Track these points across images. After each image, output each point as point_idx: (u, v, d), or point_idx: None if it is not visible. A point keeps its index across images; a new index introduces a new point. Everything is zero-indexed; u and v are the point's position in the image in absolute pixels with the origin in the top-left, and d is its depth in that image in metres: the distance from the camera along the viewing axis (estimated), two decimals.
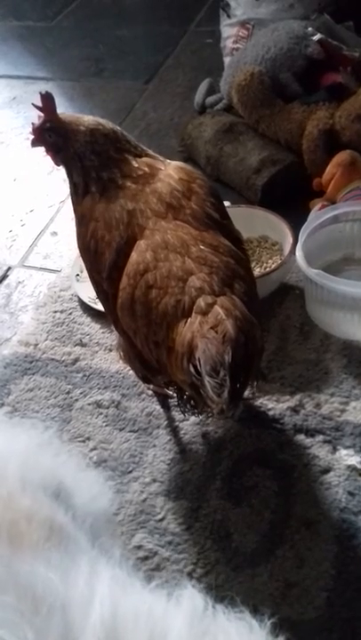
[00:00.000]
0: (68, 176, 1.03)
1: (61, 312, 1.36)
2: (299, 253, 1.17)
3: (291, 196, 1.49)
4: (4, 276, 1.50)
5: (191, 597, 0.55)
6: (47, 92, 1.01)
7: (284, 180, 1.50)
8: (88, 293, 1.35)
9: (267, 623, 0.54)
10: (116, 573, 0.58)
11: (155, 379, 1.04)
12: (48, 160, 1.06)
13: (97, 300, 1.33)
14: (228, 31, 1.79)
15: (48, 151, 1.04)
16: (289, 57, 1.54)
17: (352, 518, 0.98)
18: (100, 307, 1.32)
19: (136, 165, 0.99)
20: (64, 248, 1.54)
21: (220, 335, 0.80)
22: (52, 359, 1.28)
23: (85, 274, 1.38)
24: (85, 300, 1.34)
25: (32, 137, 1.04)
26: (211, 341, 0.80)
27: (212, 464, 1.07)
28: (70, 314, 1.35)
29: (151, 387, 1.18)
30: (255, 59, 1.57)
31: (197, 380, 0.80)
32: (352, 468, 1.03)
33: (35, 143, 1.05)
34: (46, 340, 1.31)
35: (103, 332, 1.30)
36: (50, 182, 1.72)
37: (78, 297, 1.36)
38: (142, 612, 0.53)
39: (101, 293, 1.00)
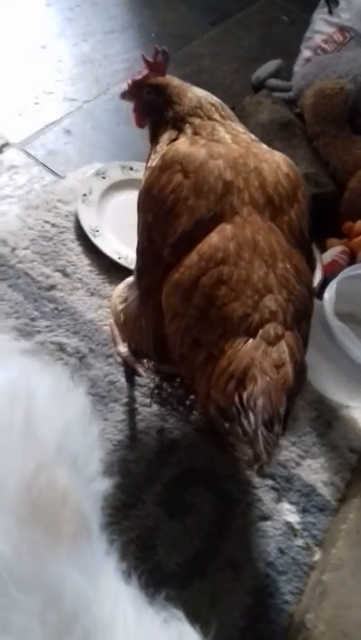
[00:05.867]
0: (153, 137, 0.93)
1: (53, 226, 1.19)
2: (328, 296, 1.11)
3: (312, 224, 1.43)
4: None
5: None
6: (164, 50, 0.94)
7: (317, 205, 1.42)
8: (90, 221, 1.21)
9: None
10: (135, 596, 0.54)
11: (156, 363, 0.93)
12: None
13: (97, 232, 1.20)
14: (323, 27, 1.67)
15: (137, 109, 0.96)
16: None
17: (275, 576, 0.95)
18: (98, 241, 1.19)
19: (240, 131, 0.89)
20: (73, 153, 1.36)
21: (281, 379, 0.72)
22: (27, 274, 1.12)
23: (94, 197, 1.25)
24: (85, 227, 1.19)
25: (125, 89, 0.96)
26: (272, 384, 0.71)
27: (158, 464, 1.00)
28: (62, 232, 1.19)
29: (122, 354, 1.07)
30: (347, 73, 1.48)
31: (237, 413, 0.71)
32: (289, 526, 1.01)
33: (126, 96, 0.97)
34: (27, 248, 1.14)
35: (91, 272, 1.16)
36: (83, 73, 1.52)
37: (78, 219, 1.20)
38: None
39: (150, 253, 0.86)
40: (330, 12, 1.67)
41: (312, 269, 0.88)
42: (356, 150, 1.45)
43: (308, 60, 1.67)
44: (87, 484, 0.60)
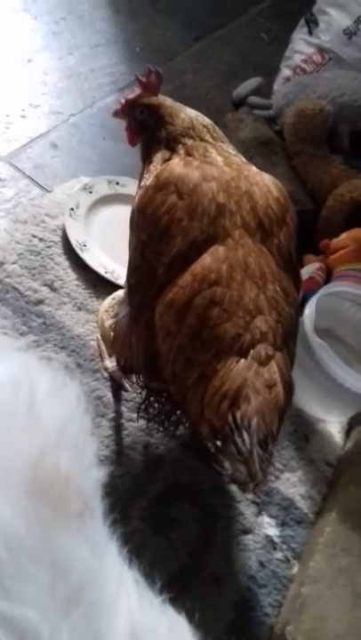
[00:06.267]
0: (145, 156, 0.94)
1: (40, 240, 1.20)
2: (308, 313, 1.15)
3: None
4: None
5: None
6: (157, 70, 0.96)
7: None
8: (77, 235, 1.22)
9: None
10: (137, 579, 0.57)
11: (145, 380, 0.94)
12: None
13: (84, 247, 1.21)
14: (302, 47, 1.72)
15: (129, 127, 0.97)
16: (358, 113, 1.51)
17: (256, 589, 0.98)
18: (86, 255, 1.20)
19: (232, 153, 0.92)
20: (60, 167, 1.37)
21: (273, 399, 0.75)
22: (15, 288, 1.12)
23: (81, 211, 1.26)
24: (73, 241, 1.20)
25: (118, 107, 0.97)
26: (265, 404, 0.73)
27: (144, 479, 1.01)
28: (50, 247, 1.20)
29: (109, 369, 1.09)
30: (326, 95, 1.52)
31: (231, 432, 0.73)
32: (269, 539, 1.03)
33: (118, 114, 0.98)
34: (15, 263, 1.15)
35: (78, 286, 1.17)
36: (69, 87, 1.53)
37: (65, 233, 1.21)
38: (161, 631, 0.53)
39: (143, 271, 0.88)
40: (310, 33, 1.72)
41: (298, 291, 0.91)
42: (334, 169, 1.49)
43: (287, 79, 1.71)
44: (87, 469, 0.64)
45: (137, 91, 0.97)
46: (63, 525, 0.53)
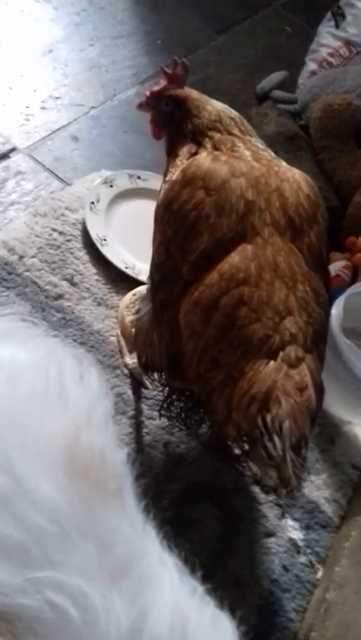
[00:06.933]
0: (171, 150, 0.92)
1: (60, 234, 1.18)
2: (335, 313, 1.12)
3: None
4: (5, 156, 1.28)
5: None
6: (183, 62, 0.93)
7: None
8: (98, 229, 1.20)
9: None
10: (177, 563, 0.59)
11: (167, 378, 0.92)
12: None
13: (105, 242, 1.19)
14: (329, 40, 1.68)
15: (154, 120, 0.95)
16: None
17: (279, 594, 0.96)
18: (106, 250, 1.19)
19: (259, 146, 0.89)
20: (80, 160, 1.34)
21: (305, 402, 0.72)
22: (35, 282, 1.10)
23: (102, 205, 1.24)
24: (93, 236, 1.18)
25: (142, 99, 0.95)
26: (296, 407, 0.71)
27: (165, 478, 0.99)
28: (69, 241, 1.18)
29: (129, 366, 1.07)
30: (354, 89, 1.49)
31: (260, 435, 0.71)
32: (293, 543, 1.01)
33: (143, 107, 0.95)
34: (34, 257, 1.13)
35: (98, 281, 1.15)
36: (89, 79, 1.51)
37: (85, 227, 1.20)
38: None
39: (168, 268, 0.85)
40: (336, 26, 1.68)
41: (328, 291, 0.88)
42: None
43: (313, 72, 1.68)
44: (116, 449, 0.64)
45: (162, 83, 0.95)
46: (104, 502, 0.55)
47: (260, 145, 0.91)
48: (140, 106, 0.97)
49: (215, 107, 0.92)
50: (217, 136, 0.89)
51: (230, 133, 0.90)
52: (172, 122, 0.93)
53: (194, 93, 0.94)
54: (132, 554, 0.52)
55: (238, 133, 0.90)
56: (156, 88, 0.95)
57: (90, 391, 0.68)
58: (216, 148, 0.88)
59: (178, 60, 0.94)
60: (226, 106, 0.94)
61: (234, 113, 0.93)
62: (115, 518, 0.54)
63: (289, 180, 0.85)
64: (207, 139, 0.89)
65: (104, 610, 0.47)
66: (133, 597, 0.49)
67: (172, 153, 0.92)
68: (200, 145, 0.89)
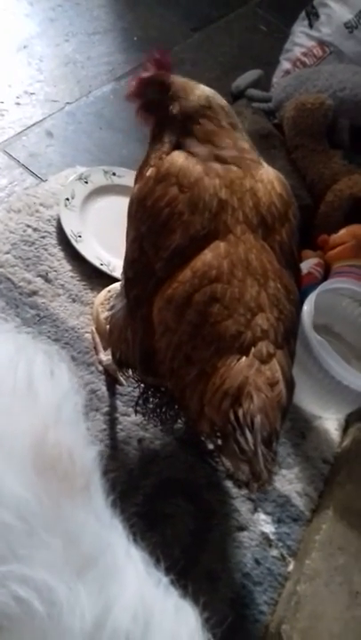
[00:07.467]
0: (157, 135, 0.89)
1: (35, 230, 1.18)
2: (307, 309, 1.13)
3: None
4: None
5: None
6: (167, 50, 0.91)
7: None
8: (72, 226, 1.20)
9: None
10: (143, 556, 0.59)
11: (141, 374, 0.93)
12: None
13: (80, 238, 1.19)
14: (303, 40, 1.70)
15: (141, 108, 0.92)
16: (358, 108, 1.49)
17: (251, 587, 0.97)
18: (81, 246, 1.19)
19: (244, 146, 0.89)
20: (55, 156, 1.34)
21: (276, 397, 0.73)
22: (8, 279, 1.10)
23: (76, 202, 1.24)
24: (68, 232, 1.18)
25: (131, 89, 0.91)
26: (268, 402, 0.72)
27: (139, 474, 1.00)
28: (44, 237, 1.18)
29: (103, 363, 1.07)
30: (326, 88, 1.50)
31: (233, 430, 0.72)
32: (265, 536, 1.03)
33: (131, 97, 0.92)
34: (8, 253, 1.13)
35: (72, 277, 1.15)
36: (65, 75, 1.50)
37: (60, 224, 1.19)
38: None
39: (141, 264, 0.85)
40: (310, 26, 1.70)
41: (299, 288, 0.90)
42: (333, 164, 1.48)
43: (287, 71, 1.69)
44: (86, 446, 0.64)
45: (150, 69, 0.91)
46: (71, 498, 0.55)
47: (246, 145, 0.90)
48: (129, 96, 0.93)
49: (203, 91, 0.90)
50: (209, 127, 0.87)
51: (220, 126, 0.88)
52: (160, 108, 0.90)
53: (180, 78, 0.91)
54: (99, 546, 0.53)
55: (227, 126, 0.88)
56: (144, 74, 0.91)
57: (60, 387, 0.68)
58: (206, 140, 0.86)
59: (161, 49, 0.91)
60: (215, 92, 0.91)
61: (223, 101, 0.90)
62: (81, 513, 0.55)
63: (263, 181, 0.86)
64: (198, 126, 0.87)
65: (69, 603, 0.48)
66: (99, 589, 0.50)
67: (157, 138, 0.89)
68: (190, 133, 0.87)
